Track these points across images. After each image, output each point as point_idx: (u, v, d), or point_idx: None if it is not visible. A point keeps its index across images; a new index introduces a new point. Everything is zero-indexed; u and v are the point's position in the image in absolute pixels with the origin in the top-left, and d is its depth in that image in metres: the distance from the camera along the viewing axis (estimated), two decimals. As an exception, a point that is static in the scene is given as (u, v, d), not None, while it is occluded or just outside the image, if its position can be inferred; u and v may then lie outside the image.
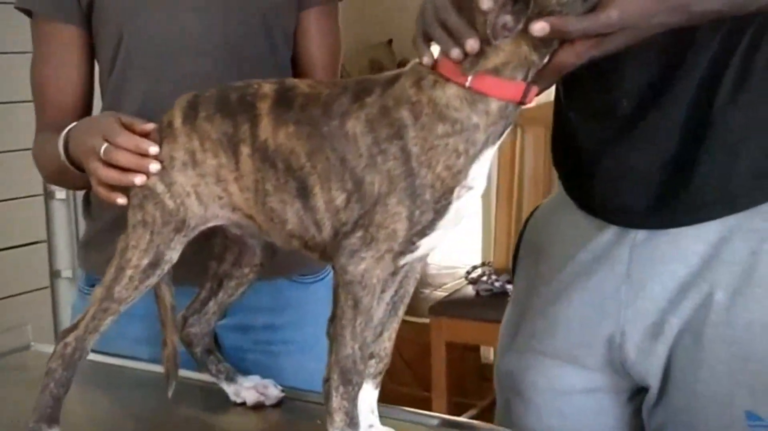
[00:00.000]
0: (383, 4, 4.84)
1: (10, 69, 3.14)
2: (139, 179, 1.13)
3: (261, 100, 1.11)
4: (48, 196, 3.32)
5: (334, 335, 1.07)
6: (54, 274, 3.37)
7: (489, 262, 3.23)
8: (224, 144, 1.12)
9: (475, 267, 3.20)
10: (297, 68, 1.54)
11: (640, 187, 1.21)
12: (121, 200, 1.16)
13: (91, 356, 1.19)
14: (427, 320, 3.06)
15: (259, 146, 1.09)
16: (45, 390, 1.16)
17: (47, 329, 3.30)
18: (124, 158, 1.14)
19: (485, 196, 3.73)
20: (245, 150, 1.10)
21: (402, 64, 5.79)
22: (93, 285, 1.44)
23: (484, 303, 2.96)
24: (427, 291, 3.98)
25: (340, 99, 1.07)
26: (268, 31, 1.46)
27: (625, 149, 1.21)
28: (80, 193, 3.13)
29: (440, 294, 3.55)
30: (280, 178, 1.09)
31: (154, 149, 1.13)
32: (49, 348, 1.46)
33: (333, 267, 1.07)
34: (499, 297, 2.89)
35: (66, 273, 3.37)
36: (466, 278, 3.16)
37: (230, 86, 1.15)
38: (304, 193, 1.08)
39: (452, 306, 3.06)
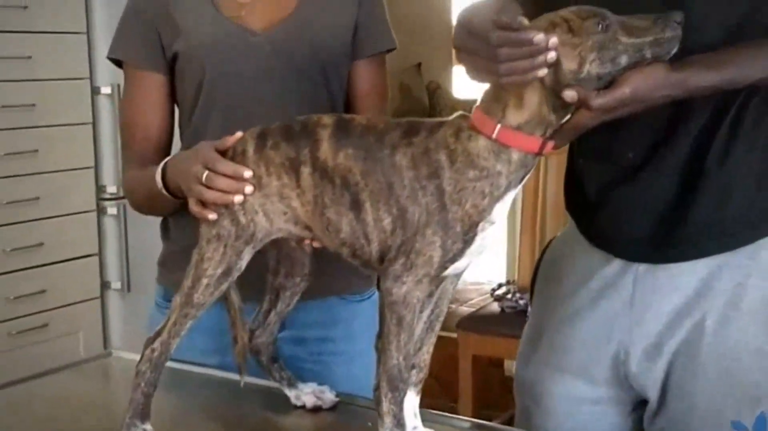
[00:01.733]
0: (412, 30, 5.04)
1: (72, 94, 3.37)
2: (237, 198, 1.31)
3: (322, 128, 1.29)
4: (100, 212, 3.49)
5: (381, 348, 1.24)
6: (104, 285, 3.53)
7: (513, 281, 3.37)
8: (286, 166, 1.30)
9: (500, 285, 3.35)
10: (347, 111, 1.71)
11: (641, 227, 1.39)
12: (212, 215, 1.33)
13: (168, 363, 1.36)
14: (454, 334, 3.21)
15: (320, 166, 1.27)
16: (136, 389, 1.34)
17: (97, 336, 3.50)
18: (224, 183, 1.32)
19: (510, 217, 3.89)
20: (306, 170, 1.28)
21: (430, 86, 5.98)
22: (170, 300, 1.64)
23: (509, 319, 3.10)
24: (453, 306, 4.10)
25: (392, 132, 1.26)
26: (327, 80, 1.66)
27: (628, 194, 1.39)
28: (130, 210, 3.32)
29: (466, 309, 3.66)
30: (336, 192, 1.27)
31: (248, 173, 1.31)
32: (127, 355, 1.67)
33: (379, 290, 1.26)
34: (522, 315, 3.01)
35: (115, 284, 3.52)
36: (492, 295, 3.32)
37: (293, 119, 1.34)
38: (356, 206, 1.25)
39: (479, 322, 3.21)
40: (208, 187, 1.33)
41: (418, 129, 1.25)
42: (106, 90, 3.40)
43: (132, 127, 1.70)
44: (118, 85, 3.25)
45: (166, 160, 1.55)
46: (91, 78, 3.41)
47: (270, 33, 1.63)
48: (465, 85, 6.00)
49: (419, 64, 5.56)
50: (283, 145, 1.31)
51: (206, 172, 1.34)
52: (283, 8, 1.64)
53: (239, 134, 1.36)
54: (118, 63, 1.71)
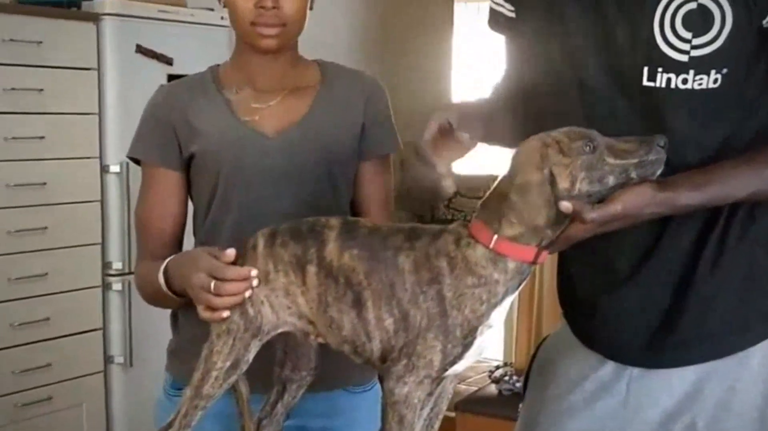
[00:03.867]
0: (413, 107, 5.13)
1: (82, 173, 3.44)
2: (248, 294, 1.37)
3: (329, 229, 1.36)
4: (105, 287, 3.53)
5: (383, 446, 1.30)
6: (107, 359, 3.56)
7: (511, 363, 3.42)
8: (293, 264, 1.36)
9: (497, 367, 3.40)
10: (353, 208, 1.80)
11: (633, 333, 1.44)
12: (226, 313, 1.39)
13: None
14: (452, 413, 3.24)
15: (325, 265, 1.34)
16: (148, 479, 1.41)
17: (99, 409, 3.53)
18: (234, 288, 1.38)
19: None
20: (312, 269, 1.35)
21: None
22: (179, 389, 1.67)
23: (506, 402, 3.16)
24: (452, 383, 4.11)
25: (396, 236, 1.33)
26: (334, 180, 1.73)
27: (621, 302, 1.45)
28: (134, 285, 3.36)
29: (464, 388, 3.70)
30: (340, 290, 1.33)
31: (254, 272, 1.38)
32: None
33: (382, 389, 1.31)
34: (519, 398, 3.00)
35: (118, 358, 3.55)
36: (490, 377, 3.36)
37: (302, 221, 1.41)
38: (358, 305, 1.31)
39: (477, 404, 3.26)
40: (217, 294, 1.39)
41: (420, 234, 1.32)
42: (114, 168, 3.47)
43: (147, 221, 1.76)
44: (127, 164, 3.33)
45: (167, 260, 1.61)
46: (101, 157, 3.48)
47: (282, 136, 1.71)
48: (463, 161, 6.07)
49: (420, 141, 5.64)
50: (292, 244, 1.37)
51: (213, 281, 1.40)
52: (294, 113, 1.73)
53: (232, 251, 1.43)
54: (136, 161, 1.79)
